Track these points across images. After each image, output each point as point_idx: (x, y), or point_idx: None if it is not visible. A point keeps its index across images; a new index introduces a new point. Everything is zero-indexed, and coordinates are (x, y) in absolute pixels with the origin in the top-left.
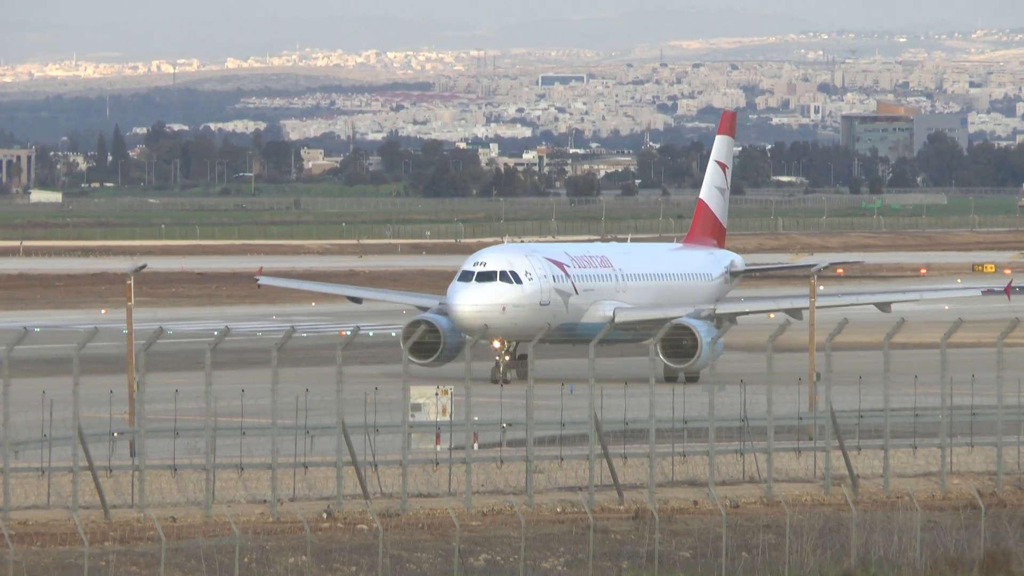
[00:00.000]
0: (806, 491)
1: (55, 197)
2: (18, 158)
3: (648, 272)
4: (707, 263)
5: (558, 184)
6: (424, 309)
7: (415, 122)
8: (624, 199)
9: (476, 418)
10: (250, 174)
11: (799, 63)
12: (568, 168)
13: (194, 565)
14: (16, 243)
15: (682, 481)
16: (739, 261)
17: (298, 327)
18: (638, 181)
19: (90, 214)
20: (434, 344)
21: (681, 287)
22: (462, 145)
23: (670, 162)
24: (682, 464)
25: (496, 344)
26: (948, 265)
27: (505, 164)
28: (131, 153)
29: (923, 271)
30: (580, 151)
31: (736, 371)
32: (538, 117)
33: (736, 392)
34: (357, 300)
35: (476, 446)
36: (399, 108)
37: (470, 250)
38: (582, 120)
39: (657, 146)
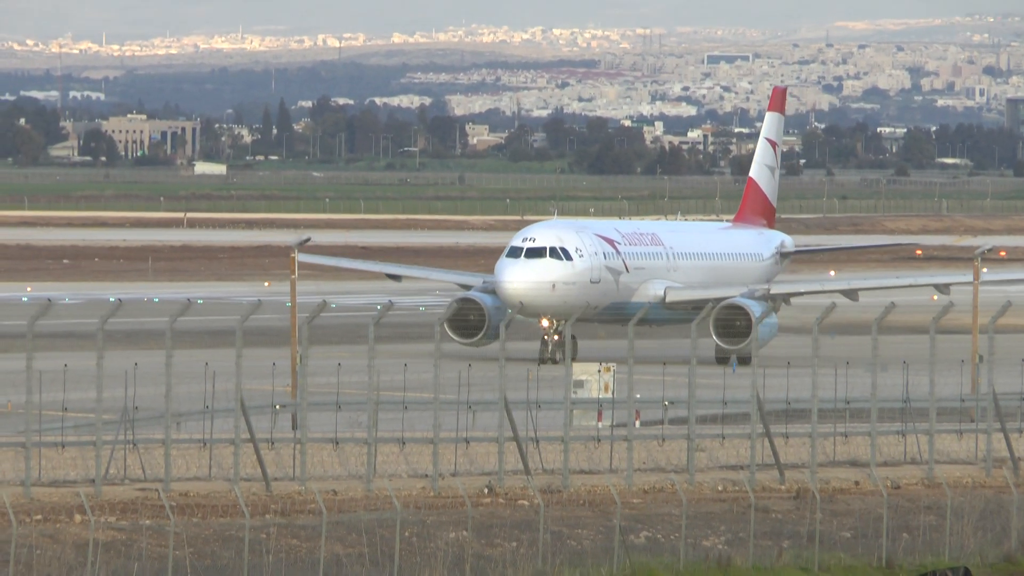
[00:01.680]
0: (967, 473)
1: (219, 169)
2: (183, 130)
3: (699, 251)
4: (758, 243)
5: (722, 163)
6: (467, 287)
7: (580, 99)
8: (788, 179)
9: (638, 396)
10: (415, 149)
11: (964, 45)
12: (732, 147)
13: (355, 539)
14: (180, 215)
15: (843, 461)
16: (789, 242)
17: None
18: (802, 161)
19: (254, 187)
20: (479, 323)
21: (732, 267)
22: (627, 123)
23: (834, 142)
24: (844, 444)
25: (544, 323)
26: None
27: (670, 142)
28: (296, 126)
29: None
30: (745, 130)
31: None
32: (703, 96)
33: (898, 373)
34: (396, 278)
35: (638, 423)
36: (564, 85)
37: None
38: (747, 99)
39: (822, 126)
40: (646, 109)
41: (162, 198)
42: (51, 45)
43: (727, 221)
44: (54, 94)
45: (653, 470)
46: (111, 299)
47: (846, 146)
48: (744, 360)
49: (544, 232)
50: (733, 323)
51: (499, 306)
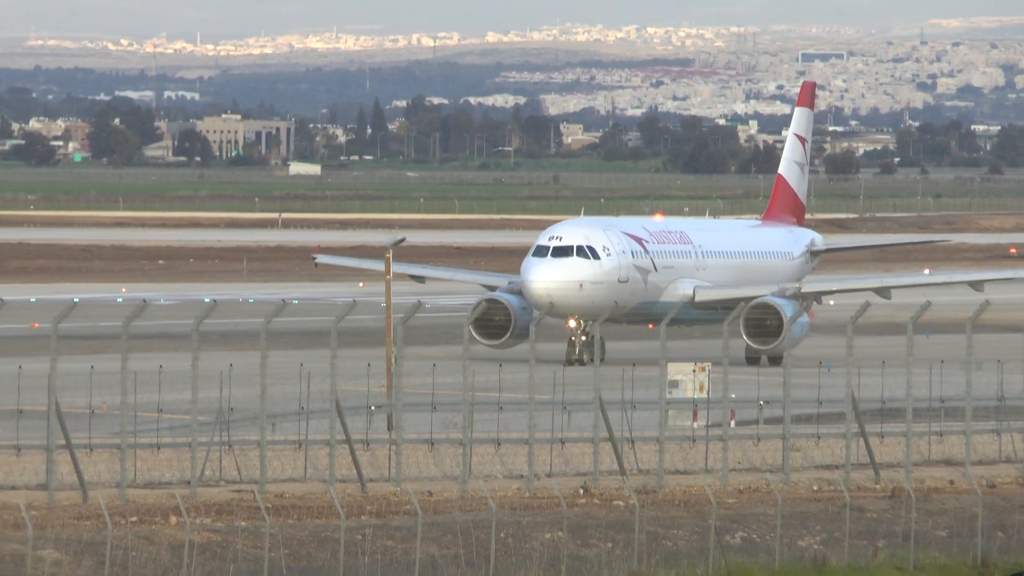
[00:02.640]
0: None
1: (314, 169)
2: (277, 130)
3: (728, 249)
4: (787, 241)
5: (816, 161)
6: (491, 288)
7: (674, 98)
8: (882, 177)
9: (733, 395)
10: (509, 148)
11: None
12: (827, 146)
13: (450, 540)
14: (275, 215)
15: (938, 460)
16: (819, 240)
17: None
18: (897, 159)
19: (349, 187)
20: (505, 324)
21: (762, 265)
22: (721, 121)
23: (929, 140)
24: (938, 443)
25: (571, 323)
26: None
27: (764, 141)
28: (390, 126)
29: None
30: (839, 129)
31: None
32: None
33: (993, 371)
34: (420, 279)
35: (733, 423)
36: (659, 84)
37: None
38: (841, 98)
39: (916, 124)
40: (740, 108)
41: (257, 198)
42: (145, 45)
43: (756, 219)
44: (148, 94)
45: (748, 470)
46: (206, 300)
47: (940, 144)
48: (775, 360)
49: (571, 230)
50: (764, 322)
51: (525, 307)
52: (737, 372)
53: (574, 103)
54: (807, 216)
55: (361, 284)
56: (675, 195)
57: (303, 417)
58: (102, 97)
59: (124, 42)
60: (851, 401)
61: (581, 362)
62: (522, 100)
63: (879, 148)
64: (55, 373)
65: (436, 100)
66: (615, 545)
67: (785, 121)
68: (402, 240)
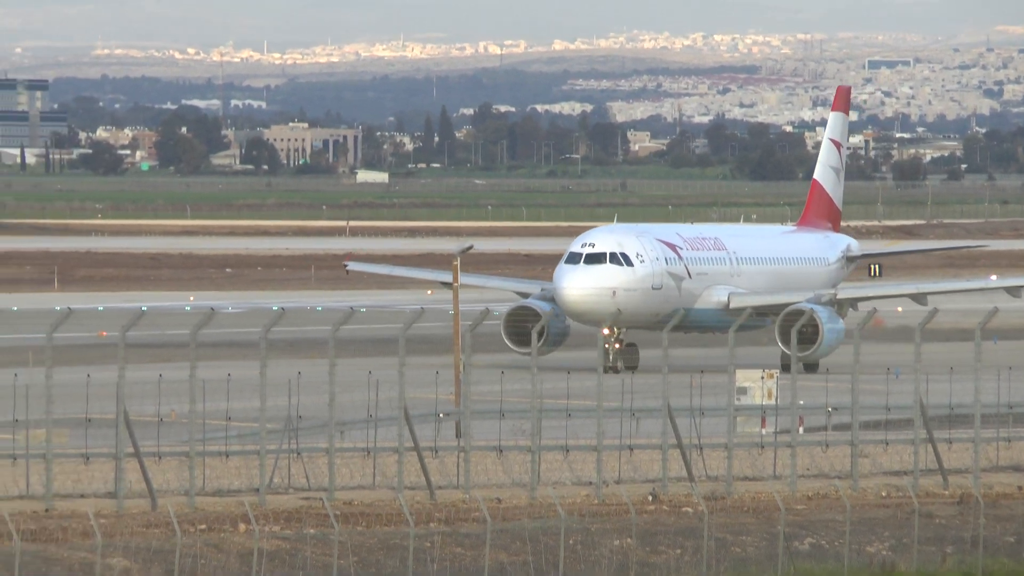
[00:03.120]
0: None
1: (381, 177)
2: (345, 138)
3: (763, 256)
4: (823, 247)
5: (884, 168)
6: (524, 295)
7: (741, 105)
8: (949, 184)
9: (802, 402)
10: (576, 156)
11: None
12: (894, 152)
13: (519, 547)
14: (342, 223)
15: (1007, 466)
16: (855, 245)
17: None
18: (964, 166)
19: (416, 194)
20: (538, 331)
21: (797, 272)
22: (788, 128)
23: (996, 147)
24: (1007, 449)
25: (605, 331)
26: None
27: None
28: (457, 134)
29: None
30: (906, 135)
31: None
32: (864, 101)
33: None
34: (451, 286)
35: (801, 430)
36: (725, 91)
37: None
38: (908, 104)
39: (983, 131)
40: (807, 115)
41: (324, 206)
42: (212, 54)
43: (791, 225)
44: (216, 103)
45: (817, 476)
46: (274, 308)
47: (1007, 151)
48: (811, 367)
49: (604, 237)
50: (800, 329)
51: (558, 314)
52: (805, 379)
53: (641, 110)
54: (843, 222)
55: (429, 292)
56: (742, 202)
57: (371, 425)
58: (169, 106)
59: (191, 51)
60: (919, 407)
61: (615, 370)
62: (589, 108)
63: (946, 155)
64: (123, 381)
65: (503, 108)
66: (683, 552)
67: (853, 128)
68: (470, 248)
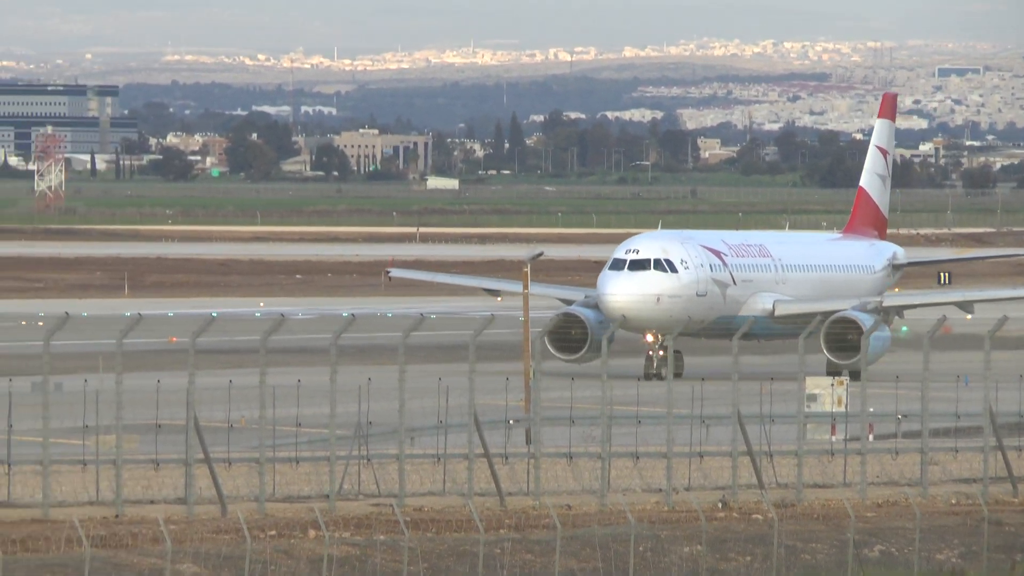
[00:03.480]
0: None
1: (451, 184)
2: (415, 144)
3: (808, 263)
4: (869, 254)
5: (954, 176)
6: (568, 302)
7: (811, 112)
8: (1019, 192)
9: (871, 409)
10: (646, 163)
11: None
12: (964, 160)
13: (589, 553)
14: (413, 229)
15: None
16: (901, 253)
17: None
18: None
19: (486, 201)
20: (581, 338)
21: (843, 279)
22: (858, 136)
23: None
24: None
25: (649, 338)
26: None
27: (901, 155)
28: (528, 140)
29: None
30: (976, 143)
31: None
32: (934, 109)
33: None
34: (495, 293)
35: (871, 437)
36: (795, 98)
37: None
38: (978, 112)
39: None
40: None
41: (395, 213)
42: (283, 60)
43: (837, 232)
44: (286, 109)
45: (887, 484)
46: (344, 314)
47: None
48: (855, 375)
49: (648, 243)
50: (844, 337)
51: (602, 320)
52: (875, 386)
53: (711, 117)
54: (889, 229)
55: (499, 299)
56: (812, 209)
57: (442, 431)
58: (239, 112)
59: (261, 57)
60: (988, 414)
61: (659, 377)
62: (659, 115)
63: (1016, 163)
64: (193, 387)
65: (573, 115)
66: (753, 559)
67: (923, 136)
68: (540, 254)
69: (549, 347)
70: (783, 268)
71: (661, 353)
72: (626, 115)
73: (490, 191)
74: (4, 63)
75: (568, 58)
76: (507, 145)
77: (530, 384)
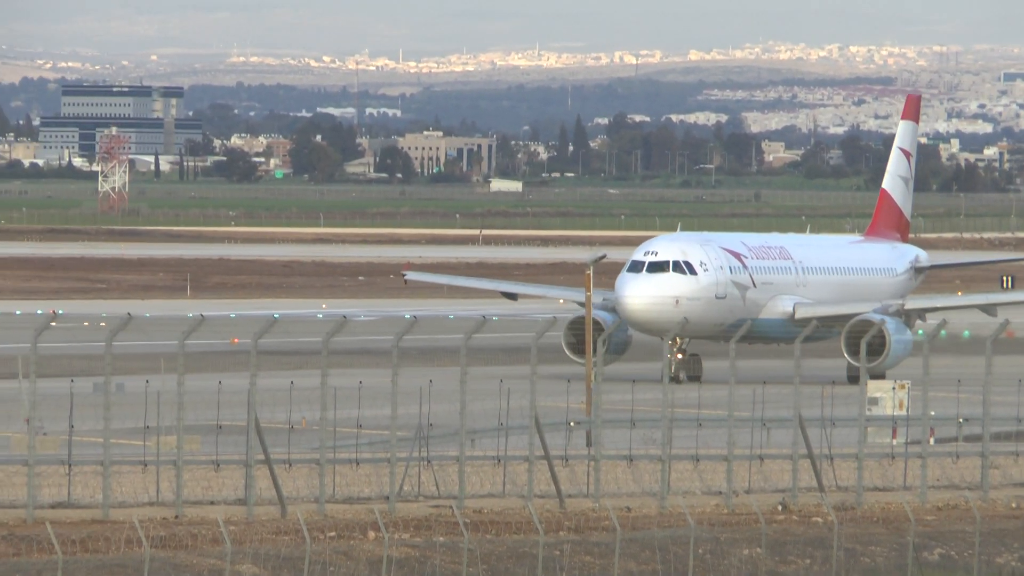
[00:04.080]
0: None
1: (515, 186)
2: (479, 147)
3: (829, 266)
4: (891, 257)
5: (1018, 180)
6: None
7: (876, 116)
8: None
9: (932, 413)
10: (711, 166)
11: None
12: None
13: (648, 556)
14: (475, 232)
15: None
16: (924, 256)
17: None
18: None
19: (550, 203)
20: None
21: (864, 282)
22: (923, 140)
23: None
24: None
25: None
26: None
27: (965, 159)
28: (592, 143)
29: None
30: None
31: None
32: (999, 113)
33: None
34: (512, 296)
35: (932, 440)
36: (861, 102)
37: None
38: None
39: None
40: (942, 126)
41: (458, 215)
42: (348, 62)
43: (859, 235)
44: (350, 111)
45: (947, 487)
46: (406, 316)
47: None
48: (877, 378)
49: (667, 245)
50: (867, 341)
51: (620, 323)
52: (936, 390)
53: (776, 121)
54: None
55: (561, 301)
56: None
57: (502, 433)
58: (303, 114)
59: (326, 59)
60: None
61: (678, 380)
62: (724, 118)
63: None
64: (255, 389)
65: (638, 117)
66: (813, 562)
67: (987, 140)
68: (603, 257)
69: (566, 350)
70: (804, 271)
71: (680, 356)
72: (690, 118)
73: (553, 194)
74: (70, 64)
75: (633, 61)
76: (571, 148)
77: (591, 386)
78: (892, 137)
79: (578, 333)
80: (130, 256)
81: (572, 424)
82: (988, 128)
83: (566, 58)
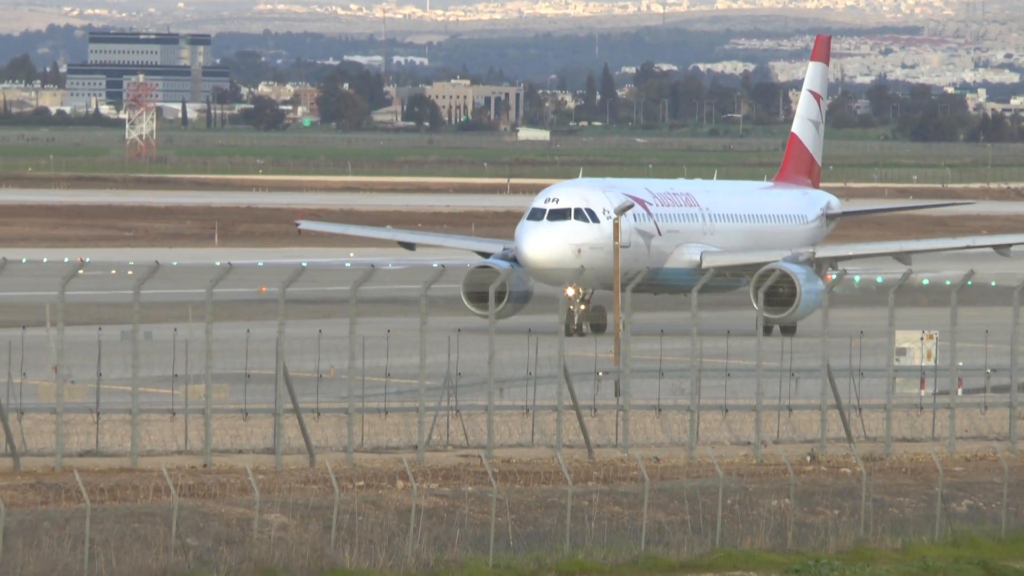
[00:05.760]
0: None
1: (543, 135)
2: (507, 96)
3: (738, 213)
4: (802, 204)
5: None
6: (485, 255)
7: (903, 66)
8: None
9: (961, 363)
10: (738, 115)
11: None
12: None
13: (676, 506)
14: (503, 180)
15: None
16: (835, 202)
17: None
18: None
19: (577, 152)
20: (499, 293)
21: (774, 230)
22: (950, 90)
23: None
24: None
25: (570, 291)
26: None
27: (993, 110)
28: (619, 92)
29: None
30: None
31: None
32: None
33: None
34: (410, 246)
35: (960, 391)
36: (888, 52)
37: (955, 195)
38: None
39: None
40: (969, 76)
41: (485, 164)
42: (375, 10)
43: (768, 181)
44: (378, 59)
45: (975, 438)
46: (434, 265)
47: None
48: (788, 330)
49: (568, 192)
50: (776, 290)
51: (520, 274)
52: (965, 340)
53: (803, 70)
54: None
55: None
56: (904, 163)
57: (531, 383)
58: (331, 62)
59: (353, 7)
60: None
61: (580, 333)
62: (751, 67)
63: None
64: (283, 337)
65: (665, 67)
66: (841, 512)
67: (1014, 90)
68: (630, 206)
69: (465, 301)
70: (711, 218)
71: (583, 307)
72: (718, 67)
73: (581, 142)
74: (97, 11)
75: (660, 10)
76: (599, 97)
77: (619, 336)
78: (919, 86)
79: (478, 283)
80: (158, 204)
81: (601, 374)
82: (1015, 78)
83: (593, 7)
